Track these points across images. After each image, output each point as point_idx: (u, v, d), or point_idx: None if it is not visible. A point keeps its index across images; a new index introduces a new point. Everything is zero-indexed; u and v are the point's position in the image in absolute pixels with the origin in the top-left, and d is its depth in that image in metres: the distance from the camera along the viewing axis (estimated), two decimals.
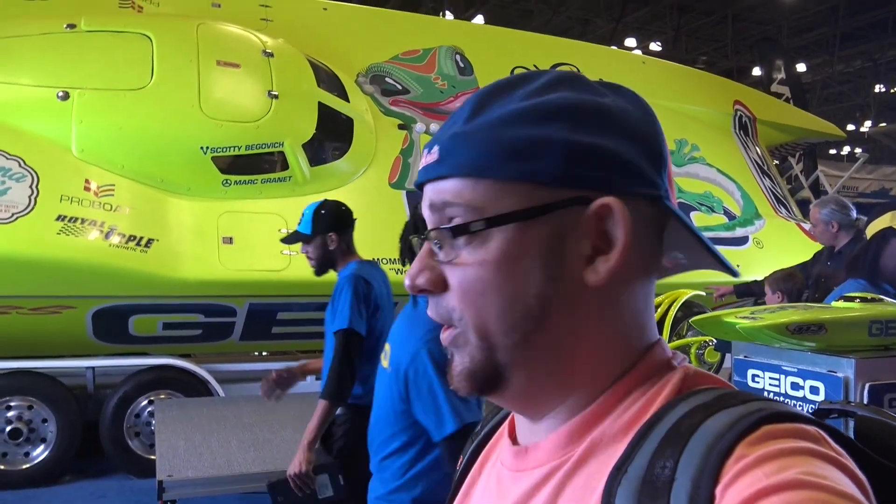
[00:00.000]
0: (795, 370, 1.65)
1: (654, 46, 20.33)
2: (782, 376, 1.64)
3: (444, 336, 0.60)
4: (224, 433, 3.76)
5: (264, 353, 6.54)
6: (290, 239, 3.14)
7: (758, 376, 1.71)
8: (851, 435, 0.59)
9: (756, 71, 19.06)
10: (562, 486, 0.56)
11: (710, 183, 7.15)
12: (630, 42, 19.63)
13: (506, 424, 0.68)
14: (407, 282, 0.61)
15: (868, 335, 1.83)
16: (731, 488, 0.46)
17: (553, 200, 0.56)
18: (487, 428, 0.74)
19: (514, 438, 0.65)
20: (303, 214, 3.07)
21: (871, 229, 3.85)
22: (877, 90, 22.58)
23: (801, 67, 18.24)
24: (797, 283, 3.99)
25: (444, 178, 0.58)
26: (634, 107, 0.60)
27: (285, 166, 5.33)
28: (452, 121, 0.61)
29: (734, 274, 0.65)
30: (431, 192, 0.60)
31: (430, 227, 0.60)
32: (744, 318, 1.77)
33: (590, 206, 0.56)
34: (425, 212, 0.61)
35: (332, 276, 5.22)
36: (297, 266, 5.10)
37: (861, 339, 1.80)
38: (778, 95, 10.05)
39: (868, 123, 24.04)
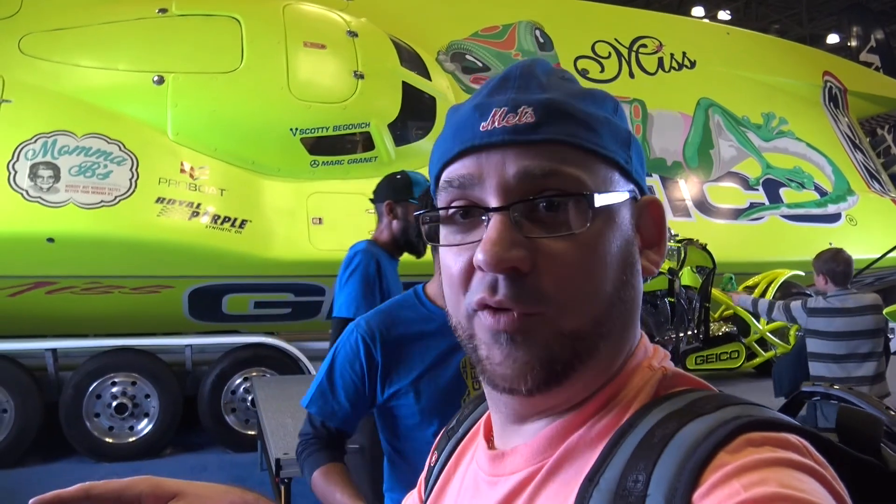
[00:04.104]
0: None
1: (724, 15, 19.63)
2: None
3: (509, 320, 0.53)
4: None
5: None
6: None
7: None
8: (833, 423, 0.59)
9: (831, 38, 18.28)
10: (536, 493, 0.54)
11: (799, 158, 6.91)
12: (698, 11, 19.00)
13: (481, 424, 0.64)
14: (488, 258, 0.52)
15: None
16: (708, 499, 0.44)
17: (632, 188, 0.58)
18: (465, 425, 0.71)
19: (489, 441, 0.61)
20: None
21: None
22: None
23: (878, 34, 17.37)
24: (840, 265, 3.74)
25: (540, 143, 0.53)
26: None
27: (370, 146, 5.35)
28: (520, 86, 0.56)
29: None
30: (523, 156, 0.53)
31: (510, 195, 0.53)
32: None
33: (639, 199, 0.59)
34: (500, 178, 0.54)
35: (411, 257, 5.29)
36: None
37: None
38: (867, 64, 9.62)
39: None
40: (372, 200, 2.67)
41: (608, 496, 0.48)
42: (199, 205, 4.78)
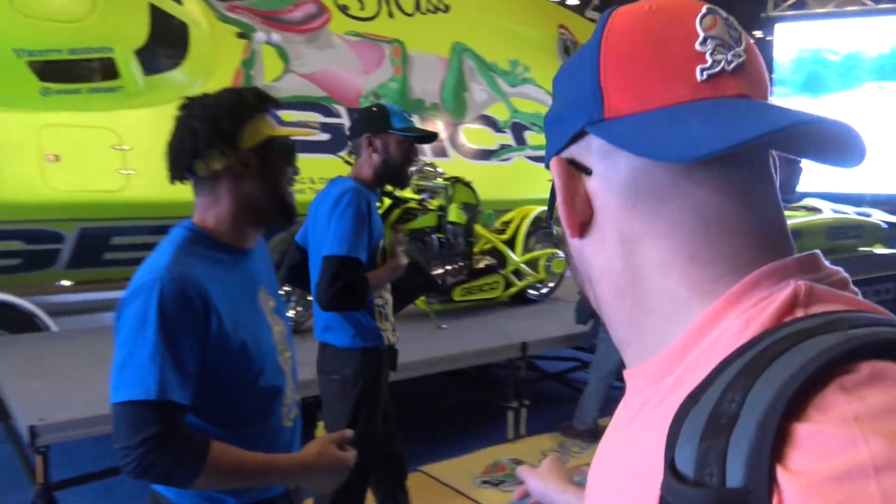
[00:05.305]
0: None
1: None
2: None
3: None
4: (83, 369, 3.46)
5: (64, 283, 5.90)
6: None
7: None
8: None
9: None
10: (651, 413, 0.51)
11: (540, 104, 7.47)
12: None
13: None
14: None
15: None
16: (808, 449, 0.36)
17: (571, 156, 0.58)
18: None
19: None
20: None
21: None
22: None
23: None
24: None
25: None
26: (580, 52, 0.56)
27: (115, 75, 4.78)
28: None
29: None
30: None
31: None
32: None
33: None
34: None
35: (174, 195, 4.89)
36: (134, 186, 4.70)
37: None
38: (592, 22, 10.60)
39: None
40: (348, 137, 2.74)
41: (704, 416, 0.41)
42: None
